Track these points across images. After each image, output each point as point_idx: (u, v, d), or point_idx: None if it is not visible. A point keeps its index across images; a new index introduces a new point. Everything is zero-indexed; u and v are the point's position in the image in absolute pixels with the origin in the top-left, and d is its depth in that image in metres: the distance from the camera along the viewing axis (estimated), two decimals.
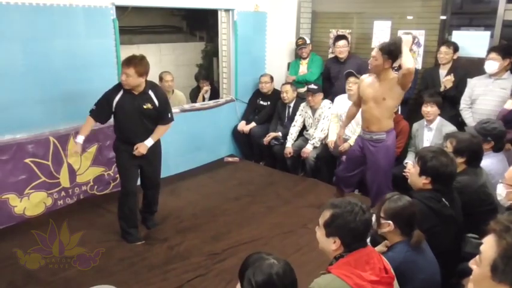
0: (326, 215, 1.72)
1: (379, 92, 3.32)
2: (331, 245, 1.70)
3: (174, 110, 4.71)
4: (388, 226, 2.03)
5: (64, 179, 3.89)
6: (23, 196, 3.66)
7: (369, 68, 3.43)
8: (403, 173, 3.80)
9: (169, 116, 3.38)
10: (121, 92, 3.17)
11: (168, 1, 4.45)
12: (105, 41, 3.93)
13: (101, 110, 3.24)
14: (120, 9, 4.01)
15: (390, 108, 3.37)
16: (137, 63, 3.05)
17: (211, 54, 7.12)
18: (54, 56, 3.60)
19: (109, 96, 3.20)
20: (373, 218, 2.05)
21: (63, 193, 3.92)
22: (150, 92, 3.22)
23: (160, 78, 5.10)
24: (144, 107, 3.20)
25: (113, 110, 3.20)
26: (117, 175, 4.29)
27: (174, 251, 3.27)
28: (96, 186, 4.18)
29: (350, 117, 3.84)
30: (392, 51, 3.18)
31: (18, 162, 3.58)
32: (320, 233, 1.75)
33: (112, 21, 3.93)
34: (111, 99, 3.18)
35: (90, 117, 3.26)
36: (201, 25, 7.46)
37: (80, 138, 3.25)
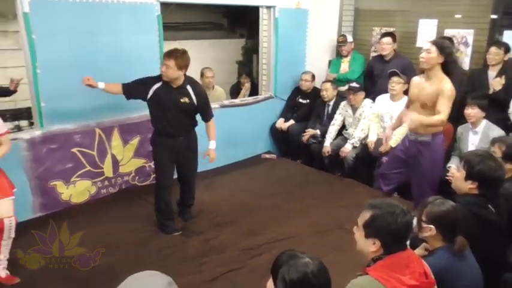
0: (365, 215, 1.69)
1: (425, 95, 3.23)
2: (370, 246, 1.67)
3: (214, 105, 4.79)
4: (429, 230, 1.97)
5: (107, 169, 4.03)
6: (69, 184, 3.83)
7: (421, 62, 3.26)
8: (446, 177, 3.68)
9: (211, 110, 3.46)
10: (160, 83, 3.22)
11: None
12: (149, 37, 4.03)
13: (135, 87, 3.28)
14: (164, 6, 4.09)
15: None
16: (178, 56, 3.10)
17: (251, 51, 7.16)
18: (100, 51, 3.72)
19: (148, 81, 3.26)
20: (414, 221, 2.00)
21: (106, 182, 4.07)
22: (188, 87, 3.26)
23: (202, 74, 5.18)
24: (181, 100, 3.24)
25: (148, 97, 3.25)
26: None
27: (209, 244, 3.32)
28: (137, 177, 4.31)
29: (401, 119, 3.68)
30: (445, 48, 3.10)
31: (66, 151, 3.75)
32: (359, 233, 1.72)
33: (156, 17, 4.02)
34: (150, 85, 3.24)
35: (121, 84, 3.30)
36: (242, 22, 7.51)
37: (101, 84, 3.27)
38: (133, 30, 3.90)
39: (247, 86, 5.69)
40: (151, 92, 3.23)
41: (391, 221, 1.64)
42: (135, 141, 4.20)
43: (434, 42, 3.15)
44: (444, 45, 3.12)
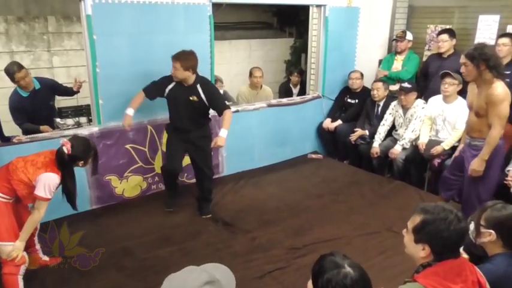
0: (416, 219, 1.65)
1: (476, 104, 3.08)
2: (419, 251, 1.62)
3: (261, 104, 4.87)
4: (489, 236, 1.89)
5: (158, 165, 4.18)
6: (123, 178, 4.01)
7: (464, 76, 3.19)
8: (505, 181, 3.49)
9: (223, 104, 3.60)
10: (174, 82, 3.50)
11: None
12: (201, 37, 4.12)
13: (154, 89, 3.56)
14: (215, 6, 4.17)
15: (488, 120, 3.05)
16: (183, 58, 3.34)
17: (300, 51, 7.14)
18: (156, 50, 3.86)
19: (164, 81, 3.54)
20: (471, 226, 1.93)
21: (156, 178, 4.22)
22: (198, 87, 3.49)
23: (250, 74, 5.23)
24: (190, 98, 3.48)
25: (165, 95, 3.55)
26: None
27: (256, 241, 3.35)
28: (186, 174, 4.43)
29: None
30: (476, 57, 2.91)
31: (120, 147, 3.94)
32: (408, 237, 1.68)
33: (208, 17, 4.12)
34: (165, 85, 3.53)
35: (142, 91, 3.57)
36: (291, 21, 7.50)
37: (130, 111, 3.54)
38: (186, 30, 4.01)
39: (296, 79, 5.73)
40: (167, 91, 3.54)
41: (443, 227, 1.58)
42: None
43: (466, 54, 3.00)
44: (475, 55, 2.92)
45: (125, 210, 3.88)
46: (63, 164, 2.58)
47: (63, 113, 4.11)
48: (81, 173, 3.74)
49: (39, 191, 2.49)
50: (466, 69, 3.02)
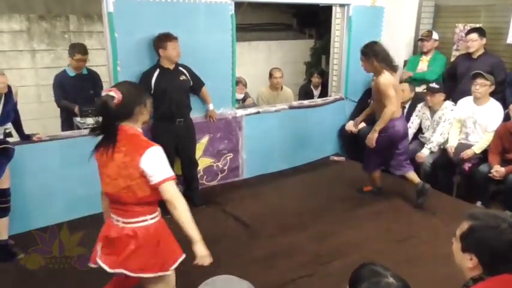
0: (464, 226, 1.51)
1: (374, 89, 3.76)
2: (466, 261, 1.49)
3: (282, 106, 4.76)
4: None
5: (178, 167, 4.08)
6: None
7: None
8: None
9: (201, 81, 3.85)
10: (158, 70, 3.55)
11: None
12: (223, 36, 4.04)
13: None
14: (236, 6, 4.09)
15: None
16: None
17: (320, 52, 7.03)
18: None
19: (147, 77, 3.55)
20: None
21: (176, 180, 4.12)
22: (181, 68, 3.68)
23: (270, 75, 5.14)
24: (181, 78, 3.64)
25: (152, 87, 3.52)
26: (225, 167, 4.46)
27: (277, 246, 3.24)
28: (205, 177, 4.34)
29: None
30: (367, 53, 3.58)
31: None
32: (456, 246, 1.54)
33: (230, 16, 4.03)
34: (149, 78, 3.53)
35: None
36: (311, 22, 7.39)
37: None
38: (208, 29, 3.93)
39: (317, 80, 5.67)
40: (153, 82, 3.54)
41: (491, 236, 1.43)
42: (204, 140, 4.24)
43: (361, 52, 3.65)
44: (367, 52, 3.59)
45: None
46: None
47: (83, 112, 4.05)
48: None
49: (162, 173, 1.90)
50: (363, 64, 3.65)
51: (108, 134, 1.91)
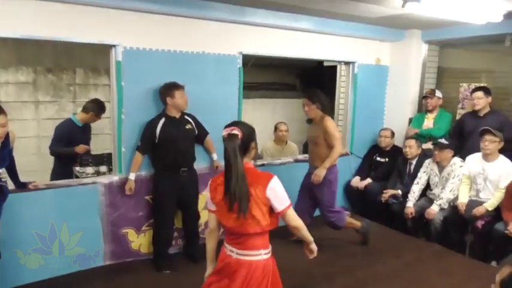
0: (505, 272, 1.36)
1: (313, 134, 3.95)
2: None
3: (288, 159, 4.68)
4: None
5: (178, 220, 3.90)
6: (140, 232, 3.77)
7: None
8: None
9: (205, 129, 3.84)
10: (163, 119, 3.51)
11: (292, 52, 4.49)
12: (230, 89, 4.06)
13: (146, 141, 3.52)
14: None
15: None
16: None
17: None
18: None
19: (151, 126, 3.50)
20: None
21: (176, 233, 3.92)
22: (186, 117, 3.67)
23: (275, 128, 5.13)
24: (186, 127, 3.61)
25: (157, 137, 3.48)
26: None
27: None
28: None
29: None
30: (316, 100, 3.84)
31: (140, 199, 3.72)
32: None
33: (238, 69, 4.08)
34: (154, 127, 3.49)
35: (137, 152, 3.55)
36: (314, 83, 7.52)
37: (132, 175, 3.56)
38: (216, 80, 3.96)
39: None
40: (158, 131, 3.48)
41: None
42: (206, 192, 4.08)
43: (308, 98, 3.87)
44: (315, 99, 3.83)
45: (141, 268, 3.58)
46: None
47: (84, 161, 3.95)
48: (97, 224, 3.53)
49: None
50: (310, 108, 3.83)
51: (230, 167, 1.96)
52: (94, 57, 5.33)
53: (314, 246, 2.25)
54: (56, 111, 5.27)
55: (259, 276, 2.00)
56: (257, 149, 2.16)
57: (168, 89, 3.49)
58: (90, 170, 3.93)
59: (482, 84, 4.58)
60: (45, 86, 5.22)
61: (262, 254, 2.02)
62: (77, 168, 4.09)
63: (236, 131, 1.99)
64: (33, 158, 5.04)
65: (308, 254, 2.28)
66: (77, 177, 4.02)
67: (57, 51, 5.17)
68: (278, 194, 1.98)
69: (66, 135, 4.20)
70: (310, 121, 4.01)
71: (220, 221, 2.09)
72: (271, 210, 1.99)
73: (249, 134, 2.07)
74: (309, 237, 2.18)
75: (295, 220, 2.04)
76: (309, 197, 3.97)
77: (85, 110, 4.33)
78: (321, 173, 3.74)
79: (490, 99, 4.31)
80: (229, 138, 1.98)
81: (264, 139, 5.54)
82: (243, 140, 1.99)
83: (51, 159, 4.28)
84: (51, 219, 3.36)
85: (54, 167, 4.28)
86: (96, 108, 4.33)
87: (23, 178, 3.23)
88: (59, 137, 4.20)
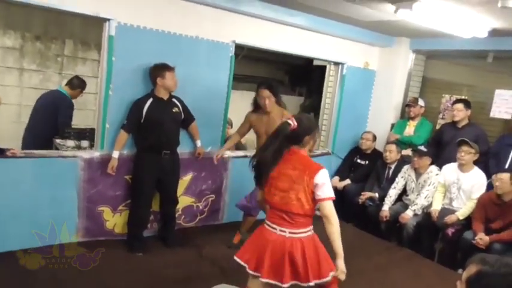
0: (472, 270, 1.41)
1: (271, 128, 3.23)
2: None
3: None
4: None
5: (156, 203, 3.87)
6: (116, 212, 3.74)
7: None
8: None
9: (191, 115, 3.79)
10: (151, 99, 3.47)
11: (285, 47, 4.50)
12: (220, 76, 4.06)
13: (132, 120, 3.48)
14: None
15: None
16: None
17: (309, 110, 7.15)
18: None
19: (138, 105, 3.46)
20: None
21: (152, 217, 3.90)
22: (174, 100, 3.62)
23: None
24: (173, 110, 3.58)
25: (143, 117, 3.44)
26: (205, 208, 4.27)
27: None
28: (183, 217, 4.14)
29: None
30: (275, 92, 3.53)
31: (119, 178, 3.67)
32: None
33: (230, 57, 4.08)
34: (141, 107, 3.45)
35: (122, 130, 3.51)
36: (302, 81, 7.61)
37: (116, 154, 3.51)
38: (207, 65, 3.94)
39: None
40: (145, 111, 3.44)
41: (501, 285, 1.34)
42: (188, 177, 4.09)
43: (268, 88, 3.50)
44: (275, 91, 3.53)
45: (112, 247, 3.52)
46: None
47: (65, 133, 3.89)
48: (72, 198, 3.49)
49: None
50: (271, 101, 3.48)
51: (279, 150, 2.23)
52: (85, 30, 5.21)
53: (341, 264, 2.20)
54: (40, 80, 5.15)
55: (313, 250, 2.23)
56: (314, 143, 2.37)
57: (160, 69, 3.47)
58: (71, 143, 3.86)
59: (463, 97, 4.72)
60: (31, 54, 5.09)
61: (309, 231, 2.25)
62: (58, 140, 4.02)
63: (291, 121, 2.22)
64: (13, 126, 4.91)
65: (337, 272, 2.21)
66: (56, 149, 3.96)
67: (48, 19, 5.05)
68: (323, 184, 2.19)
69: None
70: (256, 111, 3.65)
71: (266, 198, 2.32)
72: (314, 198, 2.20)
73: (306, 128, 2.26)
74: (339, 247, 2.20)
75: (331, 212, 2.19)
76: None
77: (72, 85, 4.34)
78: None
79: (469, 112, 4.44)
80: (283, 124, 2.25)
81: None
82: (296, 130, 2.21)
83: None
84: (27, 188, 3.30)
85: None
86: (82, 85, 4.35)
87: (0, 145, 3.17)
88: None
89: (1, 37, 4.94)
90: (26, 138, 4.31)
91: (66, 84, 4.40)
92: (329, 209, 2.19)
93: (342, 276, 2.21)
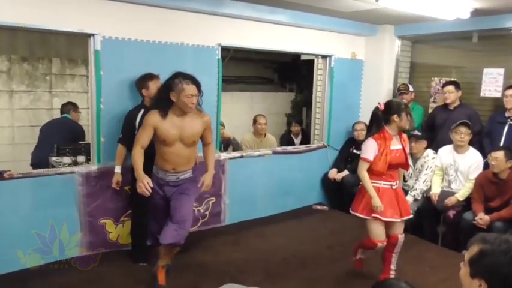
0: (473, 250, 1.43)
1: (191, 132, 3.01)
2: None
3: (266, 151, 4.74)
4: None
5: None
6: (118, 223, 3.75)
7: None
8: None
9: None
10: (142, 111, 3.35)
11: (271, 45, 4.52)
12: (209, 79, 4.04)
13: (127, 134, 3.40)
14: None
15: None
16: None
17: (300, 105, 7.19)
18: None
19: (131, 117, 3.40)
20: None
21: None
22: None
23: (254, 121, 5.17)
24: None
25: (136, 129, 3.26)
26: (206, 212, 4.29)
27: None
28: None
29: None
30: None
31: (118, 189, 3.65)
32: (464, 271, 1.45)
33: (217, 60, 4.09)
34: (134, 119, 3.38)
35: (120, 144, 3.46)
36: (291, 77, 7.64)
37: (118, 168, 3.48)
38: (195, 71, 3.85)
39: (296, 129, 5.79)
40: (137, 122, 3.34)
41: (503, 262, 1.35)
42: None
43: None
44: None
45: (117, 259, 3.56)
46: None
47: (61, 150, 3.90)
48: (74, 214, 3.50)
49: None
50: (196, 100, 2.94)
51: (378, 127, 3.09)
52: (70, 47, 5.24)
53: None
54: (31, 101, 5.15)
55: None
56: (399, 122, 3.02)
57: (143, 81, 3.45)
58: (67, 159, 3.88)
59: (452, 79, 4.75)
60: (19, 75, 5.10)
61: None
62: (54, 158, 4.03)
63: (378, 105, 3.10)
64: (7, 149, 4.92)
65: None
66: (53, 166, 3.97)
67: (32, 40, 5.06)
68: (365, 147, 3.10)
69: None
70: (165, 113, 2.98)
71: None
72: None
73: (389, 108, 3.04)
74: (371, 191, 3.14)
75: (360, 170, 3.15)
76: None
77: (75, 108, 4.56)
78: (211, 181, 3.18)
79: (460, 93, 4.47)
80: (376, 107, 3.10)
81: (242, 132, 5.58)
82: (383, 111, 3.05)
83: (26, 149, 4.22)
84: (27, 209, 3.31)
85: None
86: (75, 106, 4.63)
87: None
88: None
89: None
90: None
91: (73, 111, 4.62)
92: (360, 168, 3.19)
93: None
